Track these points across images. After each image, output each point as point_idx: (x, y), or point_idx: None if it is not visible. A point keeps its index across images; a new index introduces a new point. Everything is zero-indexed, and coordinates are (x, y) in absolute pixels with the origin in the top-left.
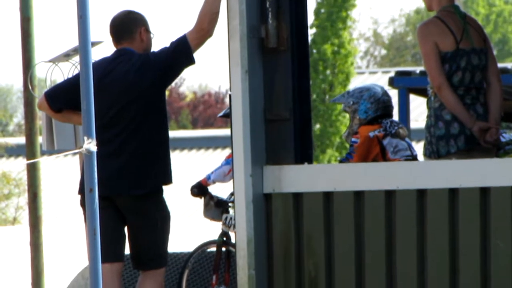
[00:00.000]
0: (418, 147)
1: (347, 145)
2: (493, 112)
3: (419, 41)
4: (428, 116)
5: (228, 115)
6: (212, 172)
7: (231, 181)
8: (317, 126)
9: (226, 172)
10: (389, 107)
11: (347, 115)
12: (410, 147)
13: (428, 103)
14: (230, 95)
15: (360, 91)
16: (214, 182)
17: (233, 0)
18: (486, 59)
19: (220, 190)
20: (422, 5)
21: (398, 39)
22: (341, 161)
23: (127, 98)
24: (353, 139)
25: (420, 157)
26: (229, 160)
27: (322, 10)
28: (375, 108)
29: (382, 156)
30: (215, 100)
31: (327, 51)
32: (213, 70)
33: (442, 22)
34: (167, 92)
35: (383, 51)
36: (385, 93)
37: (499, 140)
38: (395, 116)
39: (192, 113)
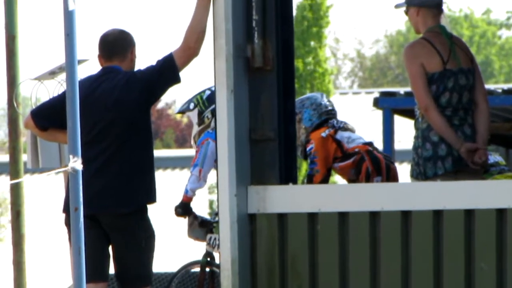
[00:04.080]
0: (401, 168)
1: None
2: (481, 133)
3: (405, 62)
4: (416, 137)
5: (183, 112)
6: (186, 185)
7: (216, 197)
8: None
9: (198, 175)
10: (332, 111)
11: None
12: (361, 137)
13: (415, 124)
14: (215, 115)
15: (301, 101)
16: (193, 192)
17: (219, 19)
18: (473, 79)
19: (205, 209)
20: (404, 27)
21: (382, 60)
22: (309, 175)
23: (112, 115)
24: (308, 148)
25: (405, 176)
26: (196, 164)
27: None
28: (318, 114)
29: (340, 149)
30: None
31: (299, 67)
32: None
33: (428, 42)
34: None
35: (367, 72)
36: (326, 99)
37: (487, 162)
38: (380, 136)
39: (177, 132)
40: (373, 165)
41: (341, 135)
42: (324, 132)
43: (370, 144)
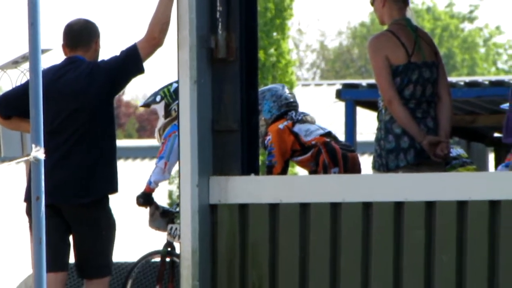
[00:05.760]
0: (362, 160)
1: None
2: (444, 127)
3: (370, 55)
4: (378, 129)
5: (148, 105)
6: (150, 176)
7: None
8: None
9: (163, 167)
10: (293, 103)
11: None
12: (321, 128)
13: (378, 116)
14: (178, 105)
15: (261, 92)
16: (156, 184)
17: (183, 9)
18: (437, 73)
19: (164, 200)
20: (367, 19)
21: (344, 52)
22: (268, 166)
23: (74, 105)
24: (266, 140)
25: (367, 168)
26: (162, 156)
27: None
28: (278, 106)
29: (298, 142)
30: None
31: (261, 59)
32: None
33: (393, 35)
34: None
35: (329, 64)
36: (287, 91)
37: (449, 155)
38: (342, 128)
39: (140, 122)
40: (330, 157)
41: (298, 127)
42: (282, 124)
43: (328, 134)
